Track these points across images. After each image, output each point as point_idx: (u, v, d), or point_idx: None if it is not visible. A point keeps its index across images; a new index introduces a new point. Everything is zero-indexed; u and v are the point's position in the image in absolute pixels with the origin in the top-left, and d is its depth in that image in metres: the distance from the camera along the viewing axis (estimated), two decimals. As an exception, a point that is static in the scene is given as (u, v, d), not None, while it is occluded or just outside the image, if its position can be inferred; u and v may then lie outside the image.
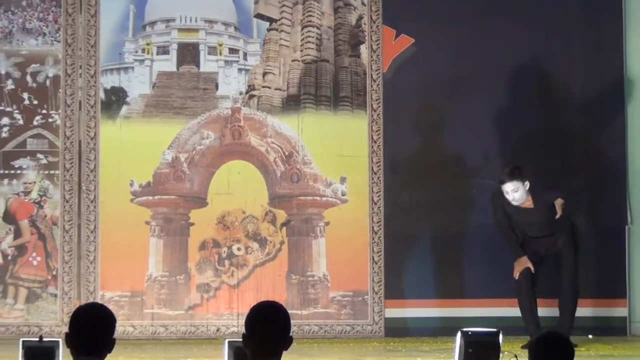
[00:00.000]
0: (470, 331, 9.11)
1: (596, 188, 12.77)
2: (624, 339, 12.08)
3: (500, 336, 9.04)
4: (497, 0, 12.75)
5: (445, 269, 12.14)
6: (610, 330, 12.10)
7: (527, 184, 11.20)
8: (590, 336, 11.15)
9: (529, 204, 11.28)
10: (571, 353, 6.18)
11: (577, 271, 11.31)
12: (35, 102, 12.29)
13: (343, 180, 12.52)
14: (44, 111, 12.29)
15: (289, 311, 6.40)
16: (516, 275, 11.28)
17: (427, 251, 12.24)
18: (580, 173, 12.72)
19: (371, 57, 12.62)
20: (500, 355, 8.92)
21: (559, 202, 11.26)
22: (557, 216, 11.25)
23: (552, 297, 11.39)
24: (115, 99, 12.41)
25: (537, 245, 11.33)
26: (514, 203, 11.22)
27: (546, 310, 11.43)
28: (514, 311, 11.42)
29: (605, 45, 12.78)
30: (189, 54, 12.59)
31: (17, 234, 12.22)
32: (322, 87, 12.59)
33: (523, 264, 11.23)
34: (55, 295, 12.13)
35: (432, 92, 12.64)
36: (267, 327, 6.16)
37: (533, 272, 11.22)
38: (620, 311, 12.56)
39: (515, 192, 11.20)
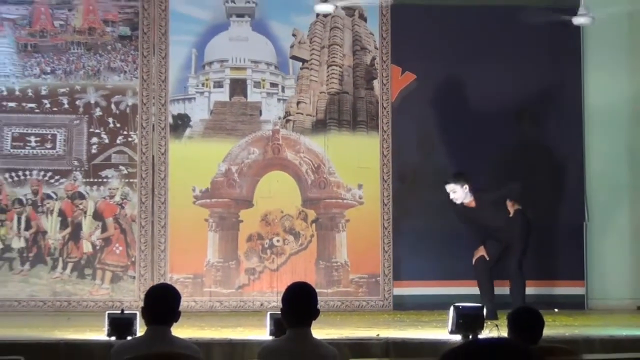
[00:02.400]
0: (461, 306, 9.10)
1: (559, 192, 12.72)
2: (582, 312, 12.02)
3: (484, 310, 9.06)
4: (483, 45, 12.69)
5: (441, 256, 12.13)
6: (571, 305, 12.04)
7: (466, 186, 11.15)
8: (555, 310, 11.13)
9: (472, 203, 11.25)
10: (541, 322, 6.24)
11: (522, 260, 11.23)
12: (118, 125, 12.32)
13: (360, 186, 12.52)
14: (125, 132, 12.32)
15: (317, 290, 6.49)
16: (473, 261, 11.31)
17: (426, 243, 12.23)
18: (547, 181, 12.67)
19: (382, 89, 12.62)
20: (484, 324, 8.94)
21: (509, 203, 11.22)
22: (511, 215, 11.20)
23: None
24: (180, 123, 12.43)
25: (497, 238, 11.28)
26: (456, 202, 11.21)
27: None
28: (499, 289, 11.42)
29: (568, 79, 12.74)
30: (238, 87, 12.60)
31: (104, 229, 12.25)
32: (343, 114, 12.60)
33: (479, 252, 11.24)
34: (134, 277, 12.17)
35: (430, 117, 12.65)
36: (300, 302, 6.22)
37: (487, 259, 11.20)
38: (579, 290, 12.53)
39: (453, 193, 11.18)
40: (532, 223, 11.42)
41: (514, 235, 11.18)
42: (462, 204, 11.21)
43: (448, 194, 11.18)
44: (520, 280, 11.18)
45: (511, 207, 11.18)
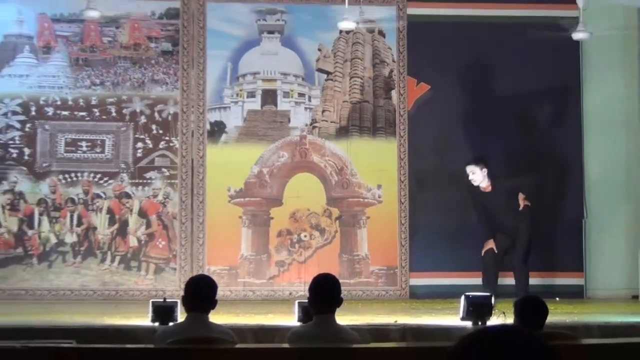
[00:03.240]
0: (471, 295, 9.09)
1: (561, 191, 12.69)
2: (582, 301, 11.98)
3: (493, 298, 9.04)
4: (490, 57, 12.68)
5: (452, 250, 12.09)
6: (571, 294, 12.00)
7: (485, 170, 11.17)
8: (557, 299, 11.08)
9: (488, 187, 11.23)
10: (545, 310, 6.22)
11: (527, 253, 11.21)
12: (161, 131, 12.34)
13: (379, 187, 12.51)
14: (167, 138, 12.34)
15: (340, 280, 6.50)
16: (482, 252, 11.28)
17: (439, 238, 12.20)
18: (549, 181, 12.64)
19: (399, 99, 12.61)
20: (493, 312, 8.92)
21: (521, 197, 11.19)
22: (520, 208, 11.17)
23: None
24: (217, 129, 12.44)
25: (504, 231, 11.24)
26: (474, 183, 11.19)
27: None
28: (503, 280, 11.39)
29: (569, 88, 12.73)
30: (269, 97, 12.61)
31: (148, 225, 12.28)
32: (364, 121, 12.59)
33: (488, 245, 11.21)
34: (175, 269, 12.19)
35: (443, 123, 12.64)
36: (325, 292, 6.22)
37: (496, 252, 11.17)
38: (579, 281, 12.49)
39: (472, 174, 11.19)
40: (537, 220, 11.41)
41: (521, 228, 11.16)
42: (478, 187, 11.21)
43: (467, 176, 11.20)
44: (524, 272, 11.17)
45: (522, 201, 11.17)
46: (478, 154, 11.61)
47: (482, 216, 11.48)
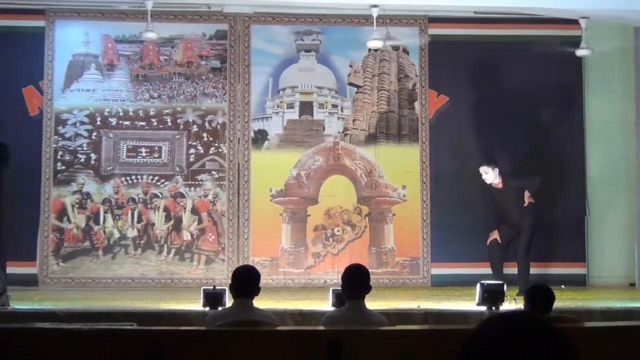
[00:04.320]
0: (486, 283, 9.07)
1: (566, 192, 12.63)
2: (584, 288, 11.91)
3: (505, 286, 9.00)
4: (502, 72, 12.65)
5: (469, 243, 12.00)
6: (575, 282, 11.90)
7: (497, 170, 11.11)
8: (562, 286, 11.00)
9: (500, 185, 11.18)
10: (552, 297, 6.18)
11: (529, 245, 11.11)
12: (211, 139, 12.36)
13: (404, 187, 12.47)
14: (216, 144, 12.36)
15: (370, 270, 6.48)
16: (488, 242, 11.21)
17: (457, 232, 12.12)
18: (555, 182, 12.55)
19: (421, 109, 12.57)
20: (505, 298, 8.88)
21: (527, 195, 11.13)
22: (525, 204, 11.11)
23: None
24: (260, 137, 12.45)
25: (510, 225, 11.17)
26: (487, 181, 11.14)
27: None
28: (513, 270, 11.32)
29: (572, 99, 12.66)
30: (306, 108, 12.60)
31: (199, 221, 12.30)
32: (390, 128, 12.55)
33: (493, 236, 11.13)
34: (223, 260, 12.20)
35: (460, 131, 12.60)
36: (356, 280, 6.20)
37: (500, 242, 11.09)
38: (581, 270, 12.41)
39: (485, 174, 11.13)
40: (540, 216, 11.36)
41: (525, 223, 11.10)
42: (491, 184, 11.17)
43: (480, 175, 11.15)
44: (525, 263, 11.08)
45: (527, 199, 11.11)
46: (489, 156, 11.58)
47: (490, 209, 11.39)
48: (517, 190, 11.18)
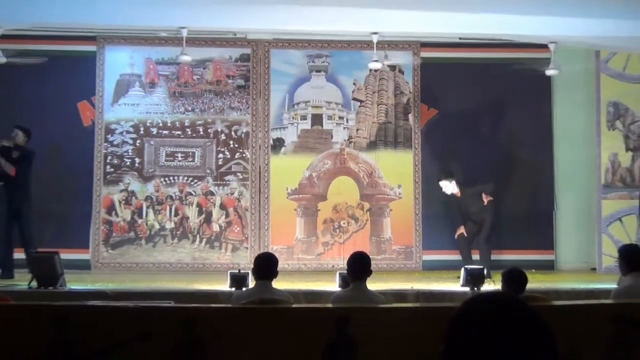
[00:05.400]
0: (469, 267, 9.10)
1: (537, 190, 12.62)
2: (552, 272, 11.90)
3: (485, 270, 9.00)
4: (483, 89, 12.61)
5: (455, 234, 11.99)
6: (544, 267, 11.89)
7: (453, 181, 11.02)
8: (533, 270, 10.95)
9: (458, 193, 11.10)
10: (525, 279, 6.16)
11: (489, 236, 10.96)
12: (236, 145, 12.37)
13: (400, 186, 12.45)
14: (241, 150, 12.36)
15: (371, 256, 6.47)
16: (455, 236, 11.12)
17: (445, 224, 12.07)
18: (528, 182, 12.57)
19: (414, 120, 12.55)
20: (484, 280, 8.87)
21: (484, 196, 11.01)
22: (485, 204, 11.01)
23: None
24: (278, 144, 12.44)
25: (473, 221, 11.05)
26: (447, 193, 11.06)
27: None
28: (493, 257, 11.29)
29: (543, 111, 12.63)
30: (317, 119, 12.58)
31: (227, 215, 12.30)
32: (388, 137, 12.53)
33: (460, 231, 11.02)
34: (247, 248, 12.20)
35: (447, 139, 12.56)
36: (359, 265, 6.19)
37: (466, 235, 10.99)
38: (550, 257, 12.38)
39: (444, 187, 11.07)
40: (515, 212, 11.32)
41: (485, 218, 10.99)
42: (452, 194, 11.10)
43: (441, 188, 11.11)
44: (485, 250, 10.90)
45: (485, 199, 10.98)
46: (445, 171, 11.50)
47: (457, 212, 11.29)
48: (473, 195, 11.08)
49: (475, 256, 10.86)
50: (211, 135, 12.36)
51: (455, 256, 11.41)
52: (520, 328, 1.82)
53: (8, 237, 10.12)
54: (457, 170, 11.79)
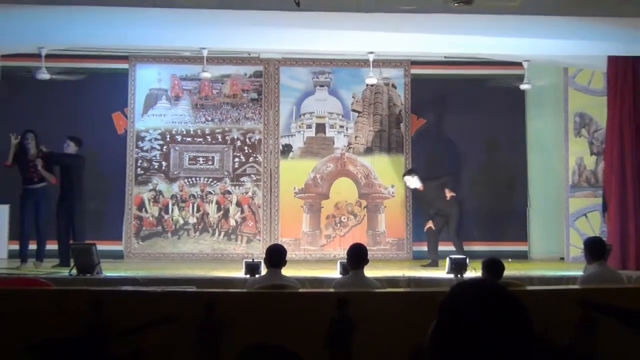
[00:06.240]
0: (453, 257, 9.07)
1: (512, 190, 12.59)
2: (526, 261, 11.87)
3: (467, 259, 8.98)
4: (466, 101, 12.59)
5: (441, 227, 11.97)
6: (519, 257, 11.85)
7: (416, 177, 10.91)
8: (509, 260, 10.94)
9: (422, 187, 11.00)
10: (502, 267, 6.14)
11: (458, 229, 10.81)
12: (250, 151, 12.36)
13: (393, 186, 12.42)
14: (254, 155, 12.35)
15: (368, 247, 6.45)
16: (425, 229, 11.02)
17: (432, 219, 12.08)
18: (505, 183, 12.54)
19: (405, 129, 12.52)
20: (467, 268, 8.85)
21: (447, 191, 10.86)
22: (447, 198, 10.86)
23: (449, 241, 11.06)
24: (287, 149, 12.43)
25: (440, 215, 10.92)
26: (411, 187, 11.00)
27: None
28: (472, 248, 11.26)
29: (517, 122, 12.60)
30: (320, 128, 12.56)
31: (242, 212, 12.29)
32: (383, 143, 12.49)
33: (428, 224, 10.89)
34: (260, 240, 12.18)
35: (435, 145, 12.56)
36: (357, 255, 6.18)
37: (434, 228, 10.86)
38: (524, 248, 12.35)
39: (408, 183, 11.02)
40: (493, 208, 11.27)
41: (451, 213, 10.86)
42: (416, 188, 11.05)
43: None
44: (458, 242, 10.79)
45: (448, 194, 10.82)
46: (408, 168, 11.48)
47: (423, 205, 11.22)
48: (436, 189, 10.94)
49: (443, 248, 10.71)
50: (228, 141, 12.36)
51: (441, 247, 11.36)
52: (501, 310, 1.81)
53: (67, 231, 10.20)
54: (419, 167, 11.78)
